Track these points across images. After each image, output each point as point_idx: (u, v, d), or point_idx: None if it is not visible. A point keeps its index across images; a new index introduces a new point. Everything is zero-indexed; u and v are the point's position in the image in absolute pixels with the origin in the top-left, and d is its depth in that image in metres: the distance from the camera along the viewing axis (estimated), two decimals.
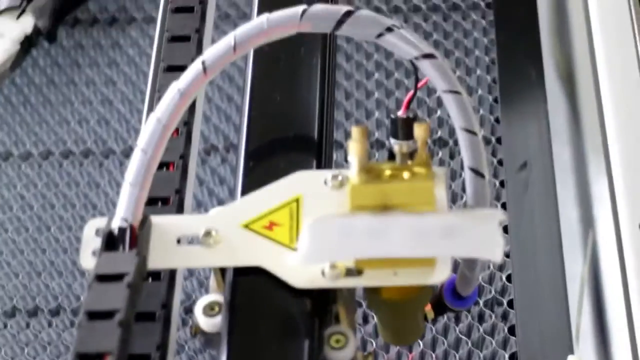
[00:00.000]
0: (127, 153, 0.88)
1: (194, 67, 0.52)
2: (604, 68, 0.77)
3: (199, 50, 0.66)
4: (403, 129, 0.54)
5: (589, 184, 0.77)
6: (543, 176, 0.78)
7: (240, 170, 0.57)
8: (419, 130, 0.50)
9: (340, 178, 0.53)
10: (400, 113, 0.55)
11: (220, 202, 0.83)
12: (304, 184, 0.53)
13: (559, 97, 0.81)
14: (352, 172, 0.49)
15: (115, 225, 0.51)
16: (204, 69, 0.52)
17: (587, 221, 0.74)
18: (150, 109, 0.63)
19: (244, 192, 0.55)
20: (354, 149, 0.49)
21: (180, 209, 0.58)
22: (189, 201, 0.60)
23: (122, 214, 0.51)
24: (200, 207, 0.84)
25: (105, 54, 0.94)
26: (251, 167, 0.57)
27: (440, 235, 0.48)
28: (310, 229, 0.48)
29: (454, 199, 0.81)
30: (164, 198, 0.58)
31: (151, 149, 0.52)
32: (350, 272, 0.50)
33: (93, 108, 0.92)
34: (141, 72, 0.92)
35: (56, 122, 0.92)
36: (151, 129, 0.52)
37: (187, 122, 0.61)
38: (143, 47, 0.94)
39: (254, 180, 0.55)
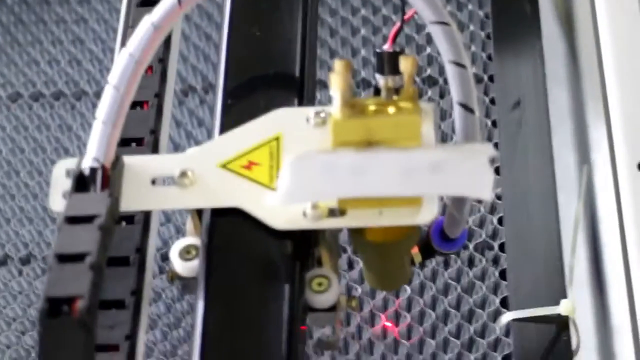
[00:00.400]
0: (100, 95, 0.85)
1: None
2: (603, 6, 0.74)
3: None
4: (389, 63, 0.51)
5: (586, 127, 0.75)
6: (537, 115, 0.76)
7: (218, 108, 0.55)
8: (405, 64, 0.48)
9: (322, 115, 0.50)
10: (386, 47, 0.52)
11: (199, 145, 0.80)
12: (284, 121, 0.51)
13: (556, 35, 0.79)
14: (335, 106, 0.47)
15: (86, 165, 0.49)
16: (179, 1, 0.50)
17: (583, 164, 0.72)
18: (123, 45, 0.61)
19: (222, 131, 0.53)
20: (337, 82, 0.46)
21: (155, 150, 0.55)
22: (164, 142, 0.57)
23: (93, 153, 0.49)
24: (178, 149, 0.81)
25: None
26: (229, 105, 0.54)
27: (427, 171, 0.45)
28: (291, 167, 0.46)
29: (443, 139, 0.79)
30: (138, 138, 0.56)
31: (124, 86, 0.49)
32: (333, 213, 0.48)
33: (64, 48, 0.89)
34: (114, 10, 0.89)
35: (25, 63, 0.89)
36: (123, 65, 0.49)
37: (162, 59, 0.59)
38: None
39: (233, 119, 0.53)
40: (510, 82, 0.79)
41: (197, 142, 0.81)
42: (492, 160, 0.46)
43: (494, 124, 0.79)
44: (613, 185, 0.70)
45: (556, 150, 0.74)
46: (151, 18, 0.50)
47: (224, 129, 0.53)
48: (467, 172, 0.45)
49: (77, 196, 0.48)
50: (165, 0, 0.50)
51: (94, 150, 0.49)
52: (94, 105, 0.85)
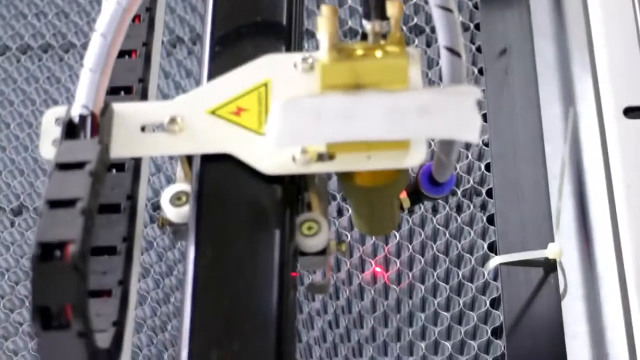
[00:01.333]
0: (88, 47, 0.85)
1: None
2: None
3: None
4: (376, 8, 0.51)
5: (572, 78, 0.75)
6: (523, 63, 0.76)
7: (205, 56, 0.55)
8: (392, 9, 0.48)
9: (310, 61, 0.50)
10: None
11: None
12: (272, 67, 0.51)
13: None
14: (322, 50, 0.47)
15: (76, 113, 0.49)
16: None
17: (569, 108, 0.73)
18: None
19: (210, 78, 0.53)
20: (324, 25, 0.46)
21: (144, 99, 0.56)
22: (153, 91, 0.57)
23: (83, 101, 0.49)
24: (167, 100, 0.81)
25: None
26: (217, 53, 0.54)
27: (414, 114, 0.45)
28: (280, 111, 0.46)
29: (430, 86, 0.79)
30: (127, 87, 0.56)
31: (111, 33, 0.49)
32: (321, 157, 0.48)
33: (51, 1, 0.89)
34: None
35: (12, 16, 0.88)
36: (111, 12, 0.49)
37: (150, 8, 0.59)
38: None
39: (221, 65, 0.53)
40: (497, 30, 0.79)
41: (186, 92, 0.81)
42: (479, 103, 0.46)
43: (480, 71, 0.79)
44: (599, 131, 0.70)
45: (542, 100, 0.74)
46: None
47: (211, 76, 0.53)
48: (455, 115, 0.46)
49: (67, 143, 0.48)
50: None
51: (83, 97, 0.49)
52: (82, 57, 0.84)
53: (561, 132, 0.74)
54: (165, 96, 0.83)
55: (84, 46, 0.86)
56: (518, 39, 0.78)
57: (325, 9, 0.47)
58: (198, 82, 0.66)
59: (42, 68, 0.86)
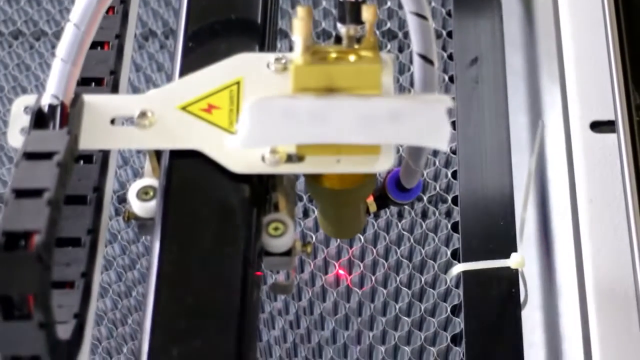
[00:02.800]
0: (59, 35, 0.84)
1: None
2: None
3: None
4: (351, 12, 0.51)
5: (540, 89, 0.76)
6: (494, 73, 0.77)
7: (178, 51, 0.55)
8: (367, 13, 0.48)
9: (283, 61, 0.51)
10: None
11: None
12: (245, 66, 0.51)
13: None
14: (296, 51, 0.47)
15: (46, 102, 0.49)
16: None
17: (538, 120, 0.73)
18: None
19: (182, 74, 0.53)
20: (299, 27, 0.47)
21: (114, 91, 0.55)
22: (124, 84, 0.57)
23: (53, 90, 0.49)
24: (137, 93, 0.81)
25: None
26: (190, 48, 0.54)
27: (386, 120, 0.46)
28: (251, 110, 0.46)
29: (401, 92, 0.80)
30: (98, 78, 0.56)
31: (85, 24, 0.49)
32: (291, 159, 0.48)
33: None
34: None
35: None
36: (85, 2, 0.49)
37: (124, 1, 0.58)
38: None
39: (193, 62, 0.53)
40: (469, 39, 0.79)
41: (157, 87, 0.81)
42: (450, 111, 0.47)
43: (451, 79, 0.80)
44: (565, 144, 0.71)
45: (511, 110, 0.75)
46: None
47: (184, 72, 0.53)
48: (425, 122, 0.46)
49: (36, 133, 0.48)
50: None
51: (54, 87, 0.49)
52: (53, 46, 0.84)
53: (527, 142, 0.75)
54: (135, 89, 0.83)
55: (55, 35, 0.85)
56: (489, 49, 0.78)
57: (300, 11, 0.47)
58: (169, 77, 0.65)
59: (12, 55, 0.85)
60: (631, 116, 0.68)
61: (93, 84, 0.55)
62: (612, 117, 0.69)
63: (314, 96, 0.46)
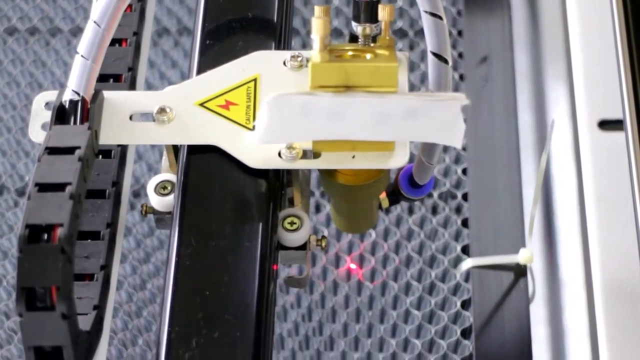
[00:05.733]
0: (75, 32, 0.86)
1: None
2: None
3: None
4: (366, 11, 0.52)
5: (546, 89, 0.76)
6: (503, 72, 0.77)
7: (196, 49, 0.55)
8: (383, 12, 0.49)
9: (300, 59, 0.52)
10: None
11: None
12: (262, 63, 0.52)
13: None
14: (314, 49, 0.48)
15: (67, 98, 0.50)
16: None
17: (544, 124, 0.74)
18: None
19: (200, 71, 0.54)
20: (317, 26, 0.47)
21: (132, 88, 0.56)
22: (141, 81, 0.58)
23: (74, 86, 0.50)
24: (152, 90, 0.81)
25: None
26: (207, 46, 0.55)
27: (401, 118, 0.47)
28: (269, 106, 0.47)
29: (412, 90, 0.80)
30: (116, 75, 0.56)
31: (105, 22, 0.50)
32: (307, 154, 0.49)
33: None
34: None
35: None
36: (106, 1, 0.50)
37: None
38: None
39: (210, 59, 0.54)
40: (479, 37, 0.80)
41: (171, 83, 0.81)
42: (464, 109, 0.47)
43: (461, 77, 0.81)
44: (573, 142, 0.71)
45: (519, 109, 0.75)
46: None
47: (201, 69, 0.54)
48: (440, 120, 0.47)
49: (58, 128, 0.49)
50: None
51: (75, 83, 0.50)
52: (69, 43, 0.85)
53: (533, 140, 0.75)
54: (150, 85, 0.84)
55: (72, 32, 0.86)
56: (499, 48, 0.79)
57: (318, 10, 0.48)
58: (183, 74, 0.66)
59: (28, 51, 0.86)
60: (639, 115, 0.68)
61: (111, 80, 0.56)
62: (620, 116, 0.70)
63: (331, 93, 0.47)
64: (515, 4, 0.81)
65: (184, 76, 0.61)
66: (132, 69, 0.57)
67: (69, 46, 0.85)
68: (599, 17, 0.74)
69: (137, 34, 0.58)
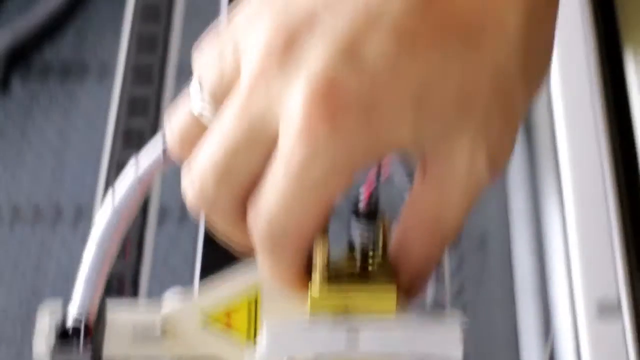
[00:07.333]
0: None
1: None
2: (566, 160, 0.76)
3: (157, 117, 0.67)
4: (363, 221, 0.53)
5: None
6: (501, 255, 0.78)
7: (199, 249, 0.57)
8: (379, 231, 0.50)
9: None
10: (362, 206, 0.54)
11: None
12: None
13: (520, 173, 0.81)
14: (315, 284, 0.49)
15: (70, 320, 0.51)
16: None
17: (546, 321, 0.74)
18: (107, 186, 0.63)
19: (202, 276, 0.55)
20: (317, 256, 0.48)
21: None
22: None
23: (76, 309, 0.51)
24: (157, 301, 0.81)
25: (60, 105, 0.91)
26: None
27: (401, 342, 0.48)
28: (269, 332, 0.48)
29: None
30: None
31: (107, 243, 0.51)
32: None
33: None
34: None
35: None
36: (105, 223, 0.51)
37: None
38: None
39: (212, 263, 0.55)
40: (475, 217, 0.81)
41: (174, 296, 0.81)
42: (463, 326, 0.49)
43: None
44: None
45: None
46: (137, 172, 0.52)
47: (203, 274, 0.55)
48: (440, 339, 0.48)
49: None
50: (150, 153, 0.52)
51: (77, 306, 0.51)
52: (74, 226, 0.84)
53: (536, 337, 0.75)
54: None
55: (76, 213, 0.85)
56: (496, 227, 0.79)
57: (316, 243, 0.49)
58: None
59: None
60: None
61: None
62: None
63: (331, 321, 0.48)
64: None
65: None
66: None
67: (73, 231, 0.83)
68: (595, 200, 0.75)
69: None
